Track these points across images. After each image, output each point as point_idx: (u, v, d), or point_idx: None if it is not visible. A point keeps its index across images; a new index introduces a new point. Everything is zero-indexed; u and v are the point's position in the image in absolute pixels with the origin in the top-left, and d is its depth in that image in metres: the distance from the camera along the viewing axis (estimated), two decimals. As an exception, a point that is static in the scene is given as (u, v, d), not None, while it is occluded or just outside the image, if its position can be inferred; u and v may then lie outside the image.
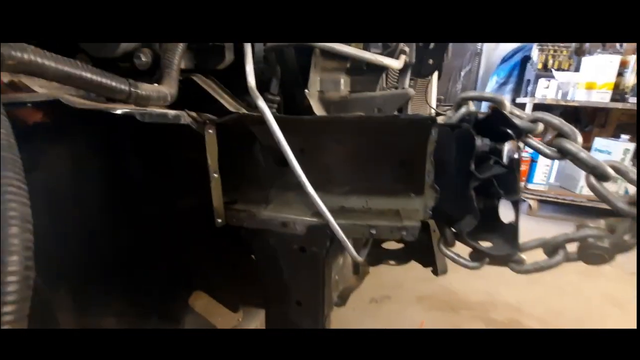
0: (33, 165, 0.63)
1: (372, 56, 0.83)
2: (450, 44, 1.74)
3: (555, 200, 3.29)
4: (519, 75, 3.53)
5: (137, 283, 0.85)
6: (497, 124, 0.65)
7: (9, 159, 0.29)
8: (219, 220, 0.75)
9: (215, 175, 0.73)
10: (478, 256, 0.70)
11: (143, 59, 0.66)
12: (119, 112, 0.50)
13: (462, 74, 3.94)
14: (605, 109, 3.26)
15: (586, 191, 3.25)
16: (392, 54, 0.88)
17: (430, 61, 1.48)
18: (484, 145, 0.67)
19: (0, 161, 0.29)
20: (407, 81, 1.14)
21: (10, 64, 0.38)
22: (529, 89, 3.35)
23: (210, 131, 0.70)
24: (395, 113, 0.89)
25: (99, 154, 0.72)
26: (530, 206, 3.33)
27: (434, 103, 2.07)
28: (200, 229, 0.83)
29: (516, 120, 0.64)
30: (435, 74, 2.01)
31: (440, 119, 0.70)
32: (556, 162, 3.46)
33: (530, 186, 3.36)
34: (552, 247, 0.62)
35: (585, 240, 0.59)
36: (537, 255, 0.66)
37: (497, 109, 0.63)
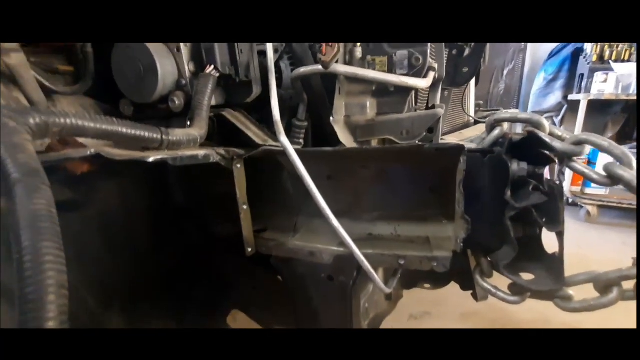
0: (88, 200, 0.71)
1: (397, 78, 0.82)
2: (487, 49, 1.66)
3: (619, 205, 2.96)
4: (570, 69, 3.24)
5: (180, 300, 0.91)
6: (535, 148, 0.60)
7: (49, 229, 0.32)
8: (249, 249, 0.78)
9: (245, 206, 0.76)
10: (519, 290, 0.65)
11: (176, 102, 0.71)
12: (151, 159, 0.54)
13: (505, 72, 3.70)
14: (678, 100, 2.88)
15: (658, 195, 2.89)
16: (419, 73, 0.86)
17: (465, 69, 1.42)
18: (521, 170, 0.63)
19: (42, 231, 0.32)
20: (438, 97, 1.11)
21: (55, 131, 0.43)
22: (583, 84, 3.07)
23: (239, 166, 0.73)
24: (425, 134, 0.86)
25: (145, 187, 0.78)
26: (589, 212, 3.02)
27: (472, 110, 1.98)
28: (237, 252, 0.86)
29: (557, 143, 0.59)
30: (473, 80, 1.92)
31: (470, 145, 0.67)
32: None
33: (588, 190, 3.05)
34: (604, 284, 0.56)
35: (644, 278, 0.52)
36: (587, 291, 0.60)
37: (533, 132, 0.58)
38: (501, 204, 0.62)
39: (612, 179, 0.54)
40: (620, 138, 3.37)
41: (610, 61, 2.92)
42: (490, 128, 0.67)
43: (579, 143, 0.57)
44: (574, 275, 0.60)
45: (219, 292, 1.00)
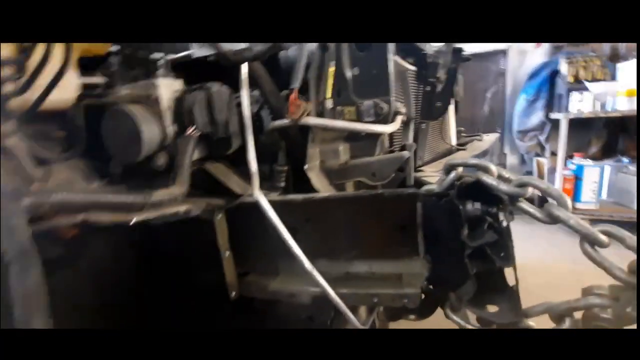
0: (79, 256, 0.76)
1: (363, 126, 0.89)
2: (461, 82, 1.76)
3: (611, 219, 2.99)
4: (549, 90, 3.38)
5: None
6: (482, 191, 0.66)
7: (37, 305, 0.37)
8: (233, 293, 0.82)
9: (227, 253, 0.81)
10: (485, 322, 0.69)
11: (160, 162, 0.78)
12: (133, 221, 0.60)
13: (488, 95, 3.85)
14: (656, 114, 2.99)
15: (647, 206, 2.93)
16: (386, 119, 0.93)
17: (439, 104, 1.51)
18: (475, 210, 0.68)
19: (32, 307, 0.37)
20: (410, 135, 1.18)
21: (46, 209, 0.49)
22: (562, 104, 3.19)
23: (219, 216, 0.78)
24: (395, 174, 0.92)
25: (133, 241, 0.83)
26: (582, 227, 3.05)
27: (454, 137, 2.06)
28: (223, 297, 0.90)
29: (503, 186, 0.65)
30: (453, 110, 2.02)
31: (427, 187, 0.73)
32: (606, 176, 3.19)
33: (578, 205, 3.10)
34: (557, 315, 0.60)
35: (590, 309, 0.56)
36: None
37: (478, 178, 0.64)
38: (460, 242, 0.67)
39: (551, 219, 0.60)
40: (605, 153, 3.46)
41: (585, 81, 3.05)
42: (447, 172, 0.73)
43: (523, 185, 0.63)
44: (532, 307, 0.65)
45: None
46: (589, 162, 3.16)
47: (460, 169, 0.74)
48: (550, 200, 0.60)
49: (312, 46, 0.93)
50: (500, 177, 0.68)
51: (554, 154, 3.34)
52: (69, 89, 0.80)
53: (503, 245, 0.63)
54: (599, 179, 3.06)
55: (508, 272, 0.69)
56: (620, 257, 0.55)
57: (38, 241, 0.48)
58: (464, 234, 0.66)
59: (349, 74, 0.93)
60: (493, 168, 0.68)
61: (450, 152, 1.92)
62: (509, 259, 0.62)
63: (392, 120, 0.96)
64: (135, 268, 0.83)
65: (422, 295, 0.75)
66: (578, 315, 0.60)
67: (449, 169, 0.74)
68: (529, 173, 3.78)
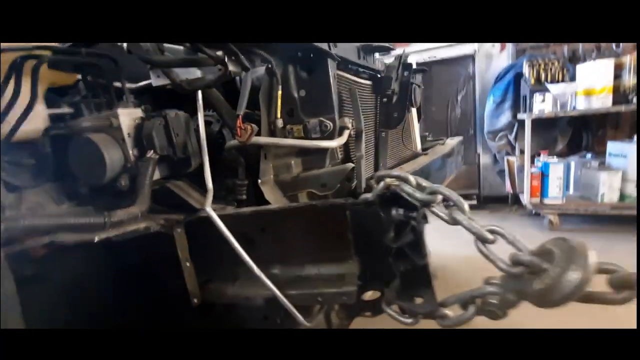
0: (51, 273, 0.83)
1: (310, 143, 0.99)
2: (418, 93, 1.88)
3: (577, 212, 3.16)
4: (514, 92, 3.56)
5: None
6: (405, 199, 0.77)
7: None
8: (195, 300, 0.91)
9: (188, 263, 0.90)
10: (410, 313, 0.79)
11: (123, 183, 0.87)
12: (96, 239, 0.69)
13: (459, 98, 4.02)
14: (613, 111, 3.18)
15: (608, 199, 3.12)
16: (332, 135, 1.04)
17: (395, 114, 1.62)
18: (398, 215, 0.79)
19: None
20: (361, 146, 1.29)
21: (16, 233, 0.57)
22: (527, 104, 3.36)
23: (179, 230, 0.87)
24: (341, 185, 1.03)
25: (101, 256, 0.91)
26: (551, 222, 3.21)
27: (418, 143, 2.19)
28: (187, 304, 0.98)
29: (418, 194, 0.75)
30: (415, 117, 2.15)
31: (362, 197, 0.83)
32: (571, 173, 3.36)
33: (546, 201, 3.26)
34: (463, 303, 0.71)
35: (485, 296, 0.67)
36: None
37: (394, 189, 0.75)
38: (385, 245, 0.77)
39: (454, 221, 0.70)
40: (571, 149, 3.65)
41: (546, 83, 3.23)
42: (377, 182, 0.84)
43: (433, 193, 0.74)
44: (447, 298, 0.75)
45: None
46: (554, 159, 3.33)
47: (388, 180, 0.85)
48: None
49: (259, 72, 1.03)
50: (418, 186, 0.78)
51: (522, 152, 3.51)
52: (37, 120, 0.89)
53: (418, 244, 0.74)
54: (563, 175, 3.23)
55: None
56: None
57: (12, 260, 0.57)
58: (387, 236, 0.76)
59: (296, 95, 1.03)
60: (412, 179, 0.79)
61: (414, 156, 2.04)
62: (423, 257, 0.73)
63: (339, 135, 1.07)
64: (103, 282, 0.91)
65: (370, 294, 0.86)
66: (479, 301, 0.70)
67: (378, 179, 0.84)
68: (501, 172, 3.95)
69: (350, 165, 1.02)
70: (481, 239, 0.66)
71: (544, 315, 0.79)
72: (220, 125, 1.18)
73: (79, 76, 1.08)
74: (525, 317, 0.78)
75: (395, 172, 0.80)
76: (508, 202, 3.93)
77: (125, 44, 0.90)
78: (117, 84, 1.01)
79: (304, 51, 0.99)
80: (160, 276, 0.95)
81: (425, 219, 0.75)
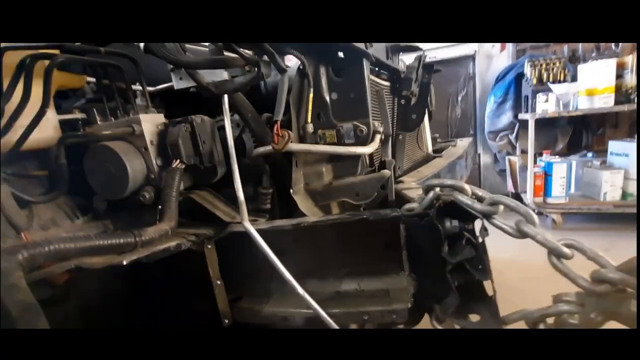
0: (75, 296, 0.75)
1: (344, 149, 0.93)
2: (433, 94, 1.84)
3: (580, 211, 3.18)
4: (515, 92, 3.56)
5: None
6: (459, 209, 0.71)
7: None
8: (226, 321, 0.83)
9: (218, 282, 0.82)
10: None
11: (147, 196, 0.79)
12: (126, 262, 0.61)
13: (459, 98, 4.01)
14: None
15: (610, 197, 3.13)
16: (365, 140, 0.98)
17: (414, 116, 1.57)
18: (453, 227, 0.73)
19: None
20: (389, 151, 1.23)
21: (40, 260, 0.49)
22: (529, 104, 3.37)
23: (209, 246, 0.80)
24: (377, 193, 0.96)
25: (126, 277, 0.83)
26: (554, 221, 3.21)
27: (429, 144, 2.14)
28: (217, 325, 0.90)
29: (477, 205, 0.70)
30: (427, 118, 2.10)
31: (409, 206, 0.77)
32: (573, 172, 3.38)
33: (549, 200, 3.26)
34: (532, 321, 0.66)
35: (560, 315, 0.62)
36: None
37: (453, 200, 0.69)
38: (441, 259, 0.71)
39: (521, 234, 0.65)
40: (570, 148, 3.67)
41: (548, 83, 3.23)
42: (426, 191, 0.78)
43: (494, 204, 0.69)
44: (509, 315, 0.70)
45: None
46: (557, 158, 3.33)
47: (437, 189, 0.79)
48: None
49: (291, 73, 0.96)
50: (474, 196, 0.73)
51: (524, 152, 3.51)
52: (48, 127, 0.80)
53: (480, 259, 0.68)
54: (566, 174, 3.24)
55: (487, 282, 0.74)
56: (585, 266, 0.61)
57: (34, 288, 0.49)
58: (444, 250, 0.70)
59: (327, 98, 0.96)
60: (467, 188, 0.73)
61: (427, 159, 1.99)
62: (486, 272, 0.67)
63: (371, 140, 1.00)
64: (130, 303, 0.83)
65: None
66: (550, 320, 0.65)
67: (427, 189, 0.78)
68: (502, 171, 3.95)
69: (388, 173, 0.96)
70: (557, 255, 0.61)
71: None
72: (240, 131, 1.11)
73: (88, 79, 0.99)
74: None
75: (449, 181, 0.75)
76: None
77: (142, 44, 0.81)
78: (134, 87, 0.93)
79: (340, 51, 0.93)
80: (188, 296, 0.87)
81: (486, 231, 0.70)
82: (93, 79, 0.98)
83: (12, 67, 0.73)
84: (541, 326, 0.65)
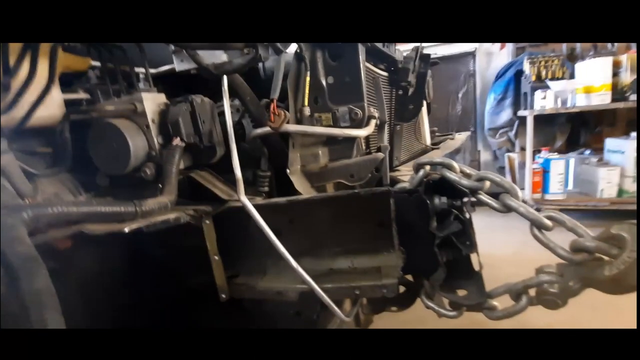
0: (74, 265, 0.78)
1: (340, 131, 0.96)
2: (430, 86, 1.86)
3: (577, 207, 3.20)
4: (515, 89, 3.58)
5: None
6: (448, 186, 0.74)
7: (50, 302, 0.41)
8: (223, 295, 0.86)
9: (216, 257, 0.85)
10: (455, 305, 0.76)
11: (148, 172, 0.81)
12: (127, 230, 0.64)
13: (460, 95, 4.03)
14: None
15: (607, 194, 3.16)
16: (360, 124, 1.00)
17: (411, 106, 1.59)
18: (441, 203, 0.76)
19: (44, 305, 0.41)
20: (385, 137, 1.25)
21: (44, 221, 0.52)
22: (528, 101, 3.39)
23: (207, 222, 0.83)
24: (372, 175, 0.99)
25: (125, 248, 0.86)
26: (551, 217, 3.24)
27: (428, 137, 2.17)
28: (213, 299, 0.93)
29: (464, 181, 0.72)
30: (425, 111, 2.12)
31: (400, 185, 0.80)
32: (571, 169, 3.40)
33: (547, 197, 3.29)
34: (515, 293, 0.68)
35: (541, 285, 0.65)
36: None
37: (442, 175, 0.72)
38: (430, 234, 0.74)
39: (506, 208, 0.68)
40: (569, 145, 3.69)
41: (547, 80, 3.25)
42: (416, 170, 0.81)
43: (481, 179, 0.71)
44: (494, 289, 0.73)
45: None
46: (555, 155, 3.36)
47: (427, 167, 0.81)
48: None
49: (289, 57, 0.98)
50: (462, 173, 0.76)
51: (523, 149, 3.53)
52: (53, 105, 0.83)
53: (467, 233, 0.71)
54: (564, 171, 3.26)
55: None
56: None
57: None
58: (432, 225, 0.73)
59: (324, 82, 0.99)
60: (455, 165, 0.76)
61: (425, 151, 2.01)
62: (472, 246, 0.70)
63: (367, 125, 1.03)
64: (128, 275, 0.85)
65: (400, 286, 0.82)
66: (533, 292, 0.68)
67: (417, 167, 0.81)
68: (502, 168, 3.98)
69: (381, 155, 0.98)
70: (538, 226, 0.63)
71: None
72: (239, 115, 1.14)
73: (93, 62, 1.02)
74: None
75: (438, 158, 0.77)
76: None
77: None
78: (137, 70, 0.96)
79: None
80: (185, 270, 0.90)
81: (473, 206, 0.72)
82: (97, 63, 1.01)
83: (17, 44, 0.75)
84: (524, 298, 0.68)
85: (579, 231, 0.61)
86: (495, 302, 0.72)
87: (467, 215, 0.71)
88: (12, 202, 0.61)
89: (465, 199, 0.73)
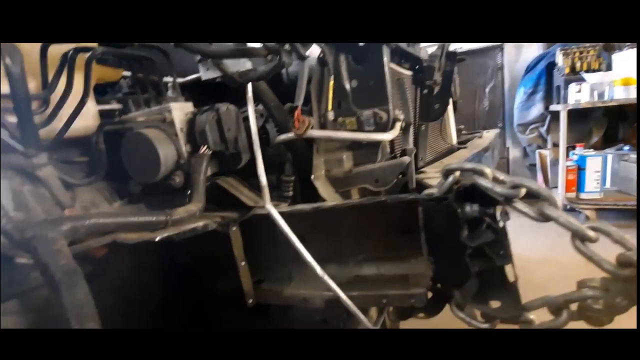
0: (107, 272, 0.81)
1: (365, 135, 0.94)
2: (457, 83, 1.80)
3: (615, 207, 3.01)
4: (546, 82, 3.40)
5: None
6: (479, 193, 0.71)
7: (89, 313, 0.43)
8: (250, 301, 0.87)
9: (243, 263, 0.86)
10: (488, 317, 0.73)
11: (177, 180, 0.83)
12: (158, 239, 0.65)
13: (487, 90, 3.88)
14: (655, 100, 3.00)
15: (650, 193, 2.94)
16: (385, 127, 0.98)
17: (437, 105, 1.55)
18: (473, 211, 0.73)
19: (84, 316, 0.43)
20: (410, 140, 1.23)
21: (82, 232, 0.54)
22: (561, 95, 3.21)
23: (234, 229, 0.84)
24: (398, 179, 0.97)
25: (154, 256, 0.88)
26: (587, 217, 3.07)
27: (454, 136, 2.10)
28: (238, 305, 0.95)
29: (498, 188, 0.69)
30: (451, 109, 2.06)
31: (427, 191, 0.78)
32: (608, 166, 3.20)
33: (583, 196, 3.11)
34: (555, 307, 0.65)
35: (584, 301, 0.61)
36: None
37: (473, 183, 0.69)
38: (461, 243, 0.71)
39: (543, 217, 0.64)
40: (605, 141, 3.47)
41: (581, 72, 3.07)
42: (445, 176, 0.78)
43: (516, 187, 0.68)
44: (531, 301, 0.69)
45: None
46: (591, 152, 3.17)
47: (457, 173, 0.78)
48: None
49: (312, 62, 0.98)
50: (495, 180, 0.72)
51: (555, 145, 3.36)
52: (89, 116, 0.86)
53: (500, 243, 0.68)
54: (601, 168, 3.08)
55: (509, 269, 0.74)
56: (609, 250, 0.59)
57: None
58: (463, 234, 0.70)
59: (347, 86, 0.98)
60: (488, 171, 0.73)
61: (451, 151, 1.96)
62: (507, 257, 0.67)
63: (392, 128, 1.01)
64: (157, 282, 0.88)
65: (429, 294, 0.80)
66: (574, 307, 0.64)
67: (446, 173, 0.78)
68: (532, 166, 3.81)
69: (407, 159, 0.96)
70: (581, 238, 0.60)
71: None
72: (263, 120, 1.14)
73: (124, 72, 1.06)
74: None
75: (469, 164, 0.74)
76: (539, 197, 3.77)
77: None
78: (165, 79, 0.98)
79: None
80: (214, 277, 0.91)
81: (507, 215, 0.69)
82: (128, 73, 1.05)
83: (54, 60, 0.79)
84: (564, 314, 0.64)
85: (627, 244, 0.56)
86: (531, 316, 0.69)
87: (501, 224, 0.68)
88: (53, 213, 0.64)
89: (499, 207, 0.69)
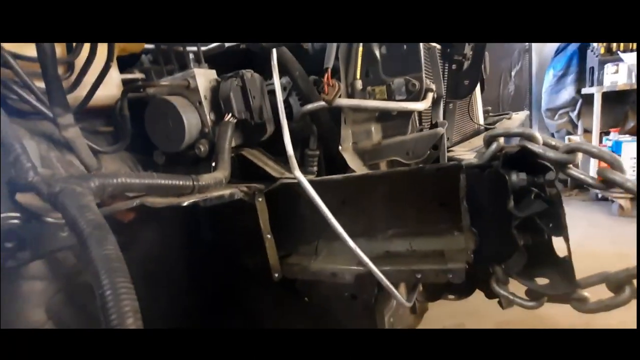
0: (133, 241, 0.80)
1: (396, 104, 0.89)
2: (487, 59, 1.70)
3: (653, 196, 2.83)
4: (578, 64, 3.21)
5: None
6: (527, 161, 0.65)
7: (120, 268, 0.40)
8: (276, 275, 0.84)
9: (269, 236, 0.83)
10: (535, 295, 0.68)
11: (202, 149, 0.81)
12: (185, 203, 0.63)
13: (513, 74, 3.70)
14: (700, 82, 2.79)
15: (693, 181, 2.75)
16: (417, 97, 0.92)
17: (466, 82, 1.47)
18: (520, 180, 0.67)
19: (114, 270, 0.40)
20: (440, 113, 1.16)
21: (109, 190, 0.52)
22: (595, 77, 3.03)
23: (260, 199, 0.80)
24: (430, 152, 0.91)
25: (179, 227, 0.87)
26: (621, 207, 2.90)
27: (481, 117, 2.01)
28: (265, 280, 0.92)
29: (550, 153, 0.63)
30: (479, 89, 1.96)
31: (468, 161, 0.72)
32: (646, 152, 3.01)
33: (617, 184, 2.95)
34: (615, 284, 0.59)
35: (650, 274, 0.54)
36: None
37: (524, 146, 0.63)
38: (506, 214, 0.66)
39: (606, 183, 0.58)
40: (644, 126, 3.27)
41: (618, 52, 2.88)
42: (488, 143, 0.72)
43: (571, 151, 0.61)
44: (586, 277, 0.63)
45: (249, 320, 1.06)
46: (627, 137, 2.99)
47: (501, 140, 0.72)
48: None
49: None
50: (546, 145, 0.66)
51: (587, 131, 3.19)
52: (112, 85, 0.84)
53: (554, 214, 0.61)
54: (638, 155, 2.90)
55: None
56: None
57: None
58: (510, 205, 0.65)
59: (377, 53, 0.92)
60: (538, 135, 0.66)
61: (478, 132, 1.87)
62: (561, 228, 0.61)
63: (424, 98, 0.95)
64: (182, 254, 0.86)
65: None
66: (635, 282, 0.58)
67: (489, 140, 0.72)
68: (560, 153, 3.63)
69: (441, 130, 0.90)
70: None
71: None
72: (287, 93, 1.10)
73: (146, 46, 1.03)
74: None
75: (516, 128, 0.68)
76: (567, 185, 3.61)
77: None
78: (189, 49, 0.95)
79: None
80: (239, 249, 0.89)
81: (560, 182, 0.63)
82: (151, 45, 1.03)
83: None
84: (627, 290, 0.58)
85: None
86: (585, 293, 0.63)
87: (555, 192, 0.61)
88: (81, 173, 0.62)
89: (552, 174, 0.63)
